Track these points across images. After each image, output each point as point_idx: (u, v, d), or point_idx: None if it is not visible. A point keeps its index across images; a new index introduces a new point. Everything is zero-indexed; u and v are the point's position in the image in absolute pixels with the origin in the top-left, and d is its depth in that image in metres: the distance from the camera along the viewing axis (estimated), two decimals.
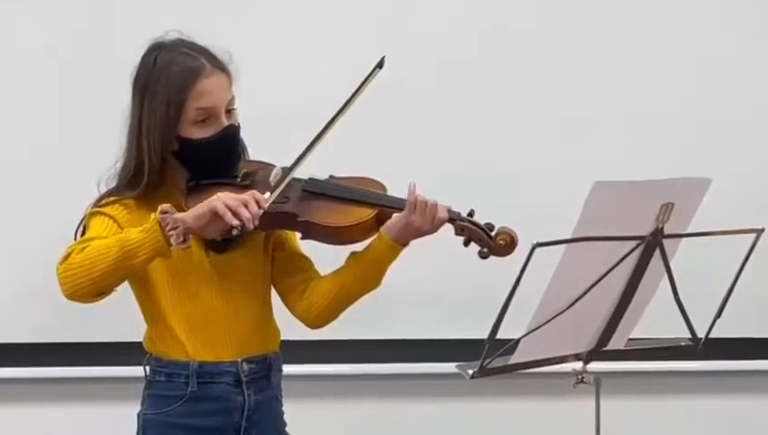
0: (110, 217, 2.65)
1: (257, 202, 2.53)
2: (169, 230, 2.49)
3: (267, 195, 2.57)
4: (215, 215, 2.50)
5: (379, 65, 2.73)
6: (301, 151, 2.68)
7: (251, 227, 2.51)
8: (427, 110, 3.69)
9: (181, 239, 2.50)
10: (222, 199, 2.50)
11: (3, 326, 3.63)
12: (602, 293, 2.53)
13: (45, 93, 3.64)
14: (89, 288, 2.52)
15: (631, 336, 2.72)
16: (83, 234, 2.66)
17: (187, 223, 2.50)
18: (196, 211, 2.52)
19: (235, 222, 2.49)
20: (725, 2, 3.77)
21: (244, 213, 2.50)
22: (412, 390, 3.76)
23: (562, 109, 3.72)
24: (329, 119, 2.68)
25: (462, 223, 2.68)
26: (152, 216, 2.52)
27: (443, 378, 3.62)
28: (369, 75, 2.72)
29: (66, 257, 2.54)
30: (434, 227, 2.66)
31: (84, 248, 2.53)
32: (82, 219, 2.69)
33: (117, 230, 2.62)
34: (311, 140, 2.68)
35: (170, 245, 2.50)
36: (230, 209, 2.49)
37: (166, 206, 2.52)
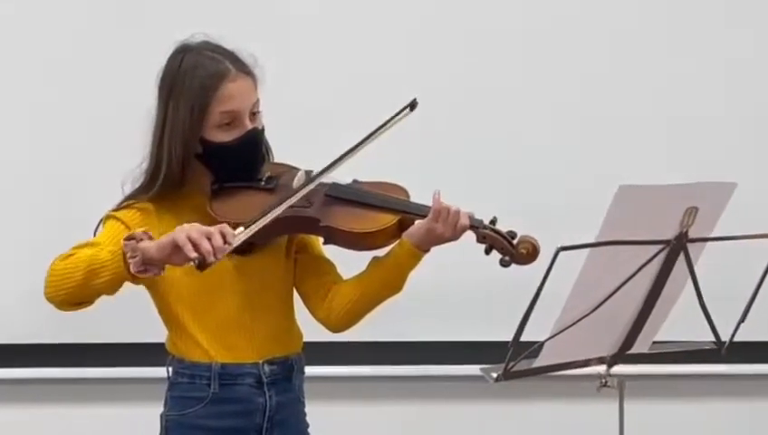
0: (122, 222, 2.65)
1: (224, 236, 2.45)
2: (129, 258, 2.47)
3: (240, 229, 2.50)
4: (175, 246, 2.44)
5: (411, 106, 2.72)
6: (315, 174, 2.66)
7: (212, 259, 2.42)
8: (447, 113, 3.67)
9: (140, 268, 2.47)
10: (186, 230, 2.44)
11: (25, 327, 3.64)
12: (626, 296, 2.53)
13: (59, 95, 3.65)
14: (64, 297, 2.53)
15: (655, 339, 2.72)
16: None
17: (148, 253, 2.46)
18: (160, 241, 2.46)
19: (193, 254, 2.41)
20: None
21: (205, 246, 2.41)
22: (435, 392, 3.76)
23: (584, 110, 3.71)
24: (347, 150, 2.66)
25: (484, 231, 2.68)
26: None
27: (466, 380, 3.63)
28: (397, 114, 2.71)
29: (54, 261, 2.55)
30: (456, 235, 2.66)
31: (69, 256, 2.53)
32: (100, 221, 2.70)
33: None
34: (327, 165, 2.66)
35: (131, 272, 2.48)
36: (191, 241, 2.42)
37: (137, 232, 2.49)
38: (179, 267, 2.58)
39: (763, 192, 3.61)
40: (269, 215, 2.56)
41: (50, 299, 2.54)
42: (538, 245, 2.67)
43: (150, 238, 2.49)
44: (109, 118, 3.56)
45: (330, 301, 2.77)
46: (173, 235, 2.45)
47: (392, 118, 2.71)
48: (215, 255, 2.43)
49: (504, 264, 2.68)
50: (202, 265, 2.43)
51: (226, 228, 2.46)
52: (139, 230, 2.49)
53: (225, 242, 2.44)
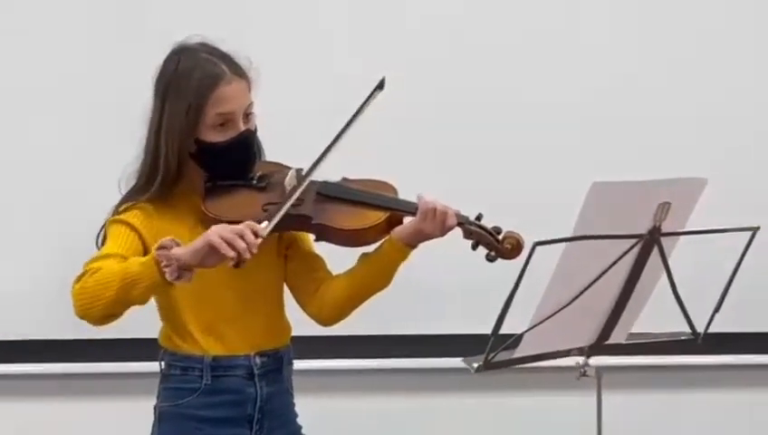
0: (128, 224, 2.69)
1: (255, 232, 2.53)
2: (164, 267, 2.52)
3: (265, 224, 2.58)
4: (211, 248, 2.50)
5: (380, 86, 2.78)
6: (307, 170, 2.72)
7: (248, 256, 2.50)
8: (433, 110, 3.72)
9: (176, 275, 2.51)
10: (218, 232, 2.51)
11: (22, 323, 3.68)
12: (603, 289, 2.58)
13: (66, 90, 3.69)
14: (98, 313, 2.57)
15: (633, 331, 2.76)
16: (103, 242, 2.71)
17: (183, 259, 2.52)
18: (193, 246, 2.53)
19: (231, 253, 2.49)
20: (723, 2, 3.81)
21: (240, 244, 2.49)
22: (419, 384, 3.80)
23: (563, 108, 3.75)
24: (330, 141, 2.72)
25: (470, 227, 2.74)
26: (151, 250, 2.55)
27: (449, 373, 3.67)
28: (369, 97, 2.77)
29: (80, 278, 2.59)
30: (443, 233, 2.72)
31: (96, 272, 2.57)
32: (102, 227, 2.74)
33: (134, 239, 2.67)
34: (315, 160, 2.71)
35: (166, 281, 2.52)
36: (226, 241, 2.50)
37: (166, 240, 2.54)
38: None
39: (736, 187, 3.66)
40: (287, 203, 2.64)
41: (83, 316, 2.58)
42: (522, 240, 2.72)
43: (178, 245, 2.54)
44: (109, 115, 3.59)
45: (320, 296, 2.82)
46: (206, 238, 2.51)
47: (365, 102, 2.77)
48: (250, 251, 2.50)
49: (490, 259, 2.74)
50: (239, 263, 2.51)
51: (254, 224, 2.54)
52: (166, 238, 2.54)
53: (257, 236, 2.53)
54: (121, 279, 2.54)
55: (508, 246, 2.74)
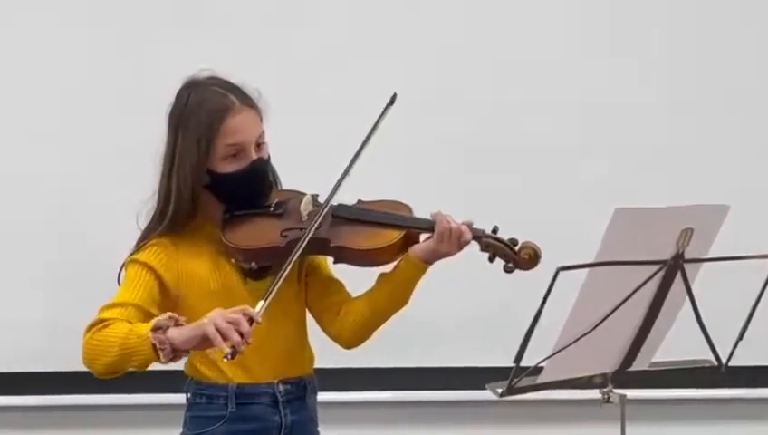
0: (146, 264, 2.72)
1: (251, 319, 2.51)
2: (159, 349, 2.53)
3: (260, 305, 2.56)
4: (205, 338, 2.51)
5: (391, 102, 2.82)
6: (325, 199, 2.75)
7: (242, 349, 2.49)
8: (448, 128, 3.78)
9: (170, 357, 2.54)
10: (214, 321, 2.49)
11: (48, 356, 3.71)
12: (626, 315, 2.57)
13: (80, 121, 3.74)
14: (100, 370, 2.62)
15: (655, 359, 2.75)
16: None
17: (175, 345, 2.53)
18: (187, 334, 2.53)
19: (227, 349, 2.48)
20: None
21: (235, 338, 2.47)
22: (443, 417, 3.80)
23: (586, 132, 3.81)
24: (347, 163, 2.76)
25: (486, 240, 2.77)
26: (150, 325, 2.55)
27: (474, 405, 3.68)
28: (382, 114, 2.81)
29: (91, 327, 2.63)
30: (460, 249, 2.75)
31: (106, 327, 2.61)
32: (123, 264, 2.77)
33: (151, 281, 2.70)
34: (331, 189, 2.75)
35: (161, 360, 2.55)
36: (221, 334, 2.48)
37: (162, 319, 2.55)
38: (200, 293, 2.71)
39: (755, 214, 3.69)
40: (284, 272, 2.63)
41: (88, 368, 2.64)
42: (539, 250, 2.75)
43: (177, 322, 2.55)
44: (106, 151, 3.67)
45: (341, 318, 2.84)
46: (202, 328, 2.51)
47: (378, 119, 2.81)
48: (246, 343, 2.50)
49: (507, 270, 2.77)
50: (234, 355, 2.49)
51: (249, 310, 2.52)
52: (163, 317, 2.56)
53: (252, 323, 2.52)
54: (121, 347, 2.57)
55: (525, 256, 2.76)
